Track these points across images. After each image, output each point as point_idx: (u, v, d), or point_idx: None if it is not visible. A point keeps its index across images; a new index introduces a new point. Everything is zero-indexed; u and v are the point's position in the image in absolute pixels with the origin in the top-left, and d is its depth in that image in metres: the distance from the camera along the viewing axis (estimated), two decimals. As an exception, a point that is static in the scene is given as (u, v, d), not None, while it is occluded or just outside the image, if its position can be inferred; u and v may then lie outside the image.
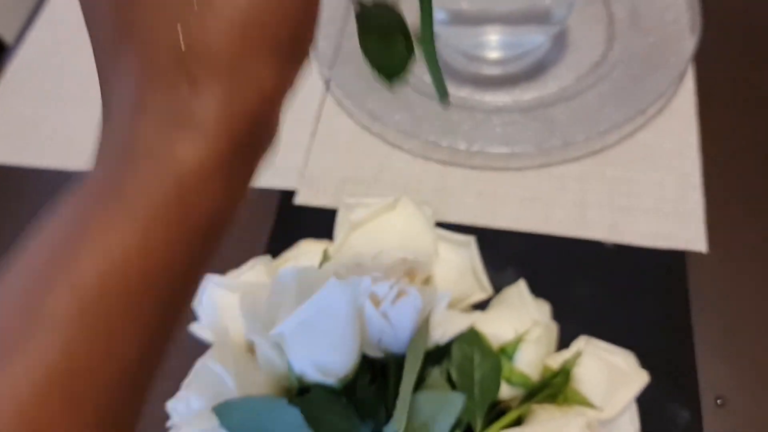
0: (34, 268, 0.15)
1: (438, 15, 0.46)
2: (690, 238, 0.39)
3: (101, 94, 0.16)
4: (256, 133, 0.16)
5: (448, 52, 0.49)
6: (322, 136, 0.46)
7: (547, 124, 0.44)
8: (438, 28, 0.47)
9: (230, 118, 0.15)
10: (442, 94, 0.30)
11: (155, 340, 0.15)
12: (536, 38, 0.46)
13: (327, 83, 0.48)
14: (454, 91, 0.47)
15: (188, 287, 0.16)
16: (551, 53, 0.48)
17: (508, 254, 0.40)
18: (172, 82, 0.15)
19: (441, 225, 0.36)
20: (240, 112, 0.15)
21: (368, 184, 0.44)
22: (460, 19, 0.46)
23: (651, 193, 0.41)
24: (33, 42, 0.53)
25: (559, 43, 0.49)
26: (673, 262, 0.39)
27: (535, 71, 0.47)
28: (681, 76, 0.45)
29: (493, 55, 0.47)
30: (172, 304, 0.16)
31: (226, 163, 0.15)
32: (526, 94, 0.46)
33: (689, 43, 0.46)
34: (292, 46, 0.16)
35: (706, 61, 0.47)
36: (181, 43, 0.14)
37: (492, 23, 0.45)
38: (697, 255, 0.39)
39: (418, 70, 0.47)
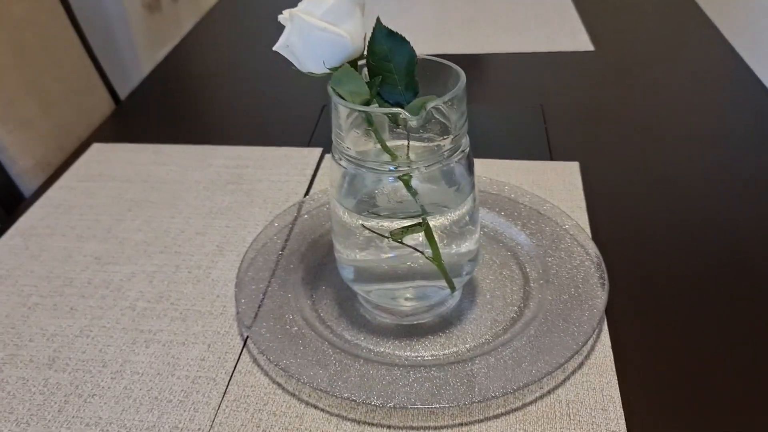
0: None
1: (346, 273, 0.48)
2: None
3: None
4: None
5: (362, 308, 0.49)
6: (234, 395, 0.44)
7: (465, 380, 0.42)
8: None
9: None
10: (451, 286, 0.46)
11: None
12: (445, 291, 0.47)
13: (244, 341, 0.48)
14: (372, 346, 0.46)
15: None
16: (470, 311, 0.49)
17: None
18: None
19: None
20: None
21: (277, 446, 0.40)
22: (365, 275, 0.47)
23: (577, 452, 0.39)
24: None
25: (478, 301, 0.50)
26: None
27: (453, 328, 0.47)
28: (596, 331, 0.46)
29: (406, 305, 0.48)
30: None
31: None
32: (445, 349, 0.46)
33: (600, 301, 0.47)
34: None
35: (617, 317, 0.48)
36: None
37: (398, 280, 0.47)
38: None
39: (335, 326, 0.47)
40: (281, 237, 0.56)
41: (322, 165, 0.68)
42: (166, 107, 0.85)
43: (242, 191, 0.64)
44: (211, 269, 0.55)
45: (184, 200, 0.64)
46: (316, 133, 0.75)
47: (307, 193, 0.64)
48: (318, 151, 0.70)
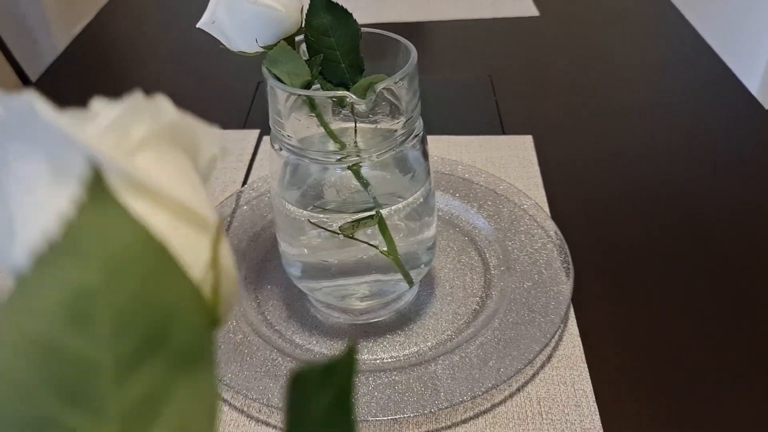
0: None
1: (292, 270, 0.44)
2: None
3: None
4: None
5: (313, 308, 0.45)
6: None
7: (429, 384, 0.39)
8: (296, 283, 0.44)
9: None
10: (409, 280, 0.43)
11: None
12: (402, 285, 0.43)
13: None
14: (326, 350, 0.42)
15: None
16: (429, 305, 0.45)
17: None
18: None
19: None
20: None
21: (225, 473, 0.36)
22: (314, 272, 0.43)
23: (552, 456, 0.36)
24: None
25: (437, 293, 0.46)
26: None
27: (412, 325, 0.44)
28: (563, 321, 0.43)
29: (361, 304, 0.44)
30: None
31: None
32: (405, 349, 0.42)
33: (566, 287, 0.45)
34: None
35: (582, 301, 0.45)
36: None
37: (351, 275, 0.43)
38: None
39: (285, 330, 0.42)
40: (219, 232, 0.51)
41: (261, 149, 0.63)
42: (84, 89, 0.77)
43: (173, 181, 0.59)
44: (142, 272, 0.49)
45: (109, 194, 0.57)
46: (251, 112, 0.69)
47: (245, 182, 0.59)
48: (255, 133, 0.65)
